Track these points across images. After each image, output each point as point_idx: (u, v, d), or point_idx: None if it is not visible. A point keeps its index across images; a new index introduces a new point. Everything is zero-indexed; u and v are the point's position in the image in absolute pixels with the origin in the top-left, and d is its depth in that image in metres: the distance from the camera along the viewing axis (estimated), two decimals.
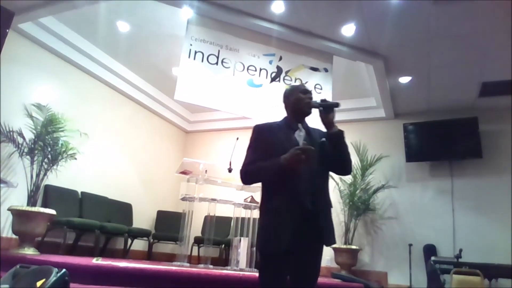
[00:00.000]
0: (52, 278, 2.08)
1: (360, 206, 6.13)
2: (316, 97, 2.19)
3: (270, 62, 5.11)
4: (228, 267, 4.85)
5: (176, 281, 3.14)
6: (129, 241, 6.07)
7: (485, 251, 5.47)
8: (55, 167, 4.80)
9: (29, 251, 4.24)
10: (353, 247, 5.98)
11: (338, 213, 6.13)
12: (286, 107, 2.20)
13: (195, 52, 4.76)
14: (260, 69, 5.05)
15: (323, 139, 2.04)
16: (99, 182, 6.24)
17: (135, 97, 7.03)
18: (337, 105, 1.99)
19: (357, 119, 6.75)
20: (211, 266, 4.70)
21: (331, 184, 3.88)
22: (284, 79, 5.13)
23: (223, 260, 6.01)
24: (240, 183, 4.98)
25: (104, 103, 6.49)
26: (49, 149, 4.74)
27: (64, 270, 2.15)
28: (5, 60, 4.69)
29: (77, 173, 5.77)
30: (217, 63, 4.86)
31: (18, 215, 4.33)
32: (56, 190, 5.33)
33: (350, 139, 2.04)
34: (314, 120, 2.14)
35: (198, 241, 6.34)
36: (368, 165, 6.30)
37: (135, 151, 7.13)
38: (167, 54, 5.96)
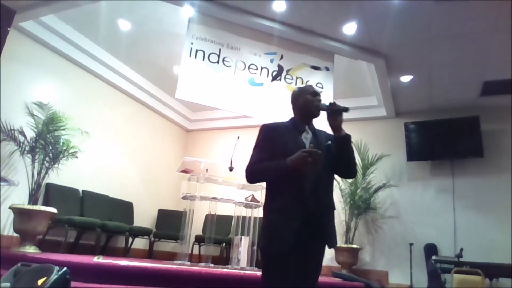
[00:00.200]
0: (53, 277, 2.08)
1: (361, 205, 6.13)
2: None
3: (271, 61, 5.11)
4: (229, 266, 4.85)
5: (177, 279, 3.14)
6: (130, 239, 6.08)
7: (486, 251, 5.47)
8: (56, 165, 4.80)
9: (30, 250, 4.24)
10: (354, 246, 5.98)
11: (339, 212, 6.12)
12: (294, 108, 2.18)
13: (196, 51, 4.76)
14: (261, 68, 5.05)
15: (329, 142, 2.04)
16: (100, 180, 6.24)
17: (136, 95, 7.04)
18: (346, 109, 1.99)
19: (358, 118, 6.74)
20: (212, 265, 4.70)
21: None
22: (285, 77, 5.12)
23: (224, 259, 6.02)
24: (241, 181, 5.03)
25: (105, 101, 6.49)
26: (50, 147, 4.75)
27: (65, 268, 2.15)
28: (6, 59, 4.69)
29: (78, 171, 5.77)
30: (218, 62, 4.85)
31: (19, 213, 4.33)
32: (57, 189, 5.33)
33: (351, 138, 2.04)
34: (320, 122, 2.14)
35: (199, 239, 6.34)
36: (369, 164, 6.30)
37: (136, 149, 7.13)
38: (168, 53, 5.95)
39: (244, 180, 4.95)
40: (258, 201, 5.03)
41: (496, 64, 5.12)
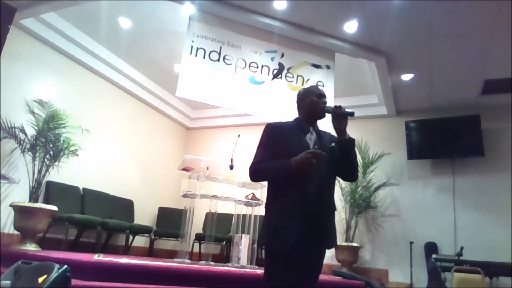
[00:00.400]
0: (54, 274, 2.08)
1: (361, 204, 6.13)
2: None
3: (272, 59, 5.10)
4: (229, 264, 4.86)
5: (177, 277, 3.14)
6: (131, 237, 6.08)
7: (486, 249, 5.47)
8: (56, 163, 4.80)
9: (31, 247, 4.24)
10: (354, 244, 5.98)
11: (339, 211, 6.11)
12: (299, 108, 2.18)
13: (197, 49, 4.75)
14: (262, 66, 5.04)
15: (333, 144, 2.05)
16: (101, 178, 6.25)
17: (137, 93, 7.03)
18: (352, 114, 1.99)
19: (359, 116, 6.59)
20: (212, 263, 4.71)
21: None
22: (286, 76, 5.11)
23: (224, 257, 6.03)
24: (241, 180, 5.03)
25: (105, 99, 6.49)
26: (51, 145, 4.74)
27: (65, 266, 2.15)
28: (7, 56, 4.68)
29: (79, 169, 5.78)
30: (218, 60, 4.84)
31: (20, 211, 4.33)
32: (57, 187, 5.34)
33: (351, 137, 2.04)
34: (323, 123, 2.15)
35: (199, 237, 6.34)
36: (370, 162, 6.30)
37: (137, 147, 7.13)
38: (169, 51, 5.95)
39: (244, 178, 5.00)
40: (259, 199, 5.03)
41: (496, 63, 5.11)
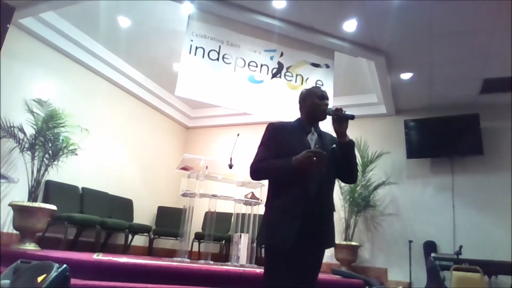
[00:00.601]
0: (53, 274, 2.08)
1: (360, 203, 6.13)
2: None
3: (271, 58, 5.10)
4: (229, 263, 4.86)
5: (177, 276, 3.14)
6: (130, 236, 6.08)
7: (485, 248, 5.47)
8: (56, 162, 4.80)
9: (30, 247, 4.24)
10: (353, 243, 5.98)
11: (338, 210, 6.12)
12: (301, 109, 2.19)
13: (196, 48, 4.75)
14: (261, 65, 5.04)
15: (334, 145, 2.06)
16: (100, 177, 6.24)
17: (136, 92, 7.03)
18: (352, 117, 1.99)
19: (358, 115, 6.57)
20: (211, 262, 4.72)
21: None
22: (285, 75, 5.11)
23: (224, 256, 6.03)
24: (240, 179, 5.03)
25: (105, 98, 6.48)
26: (50, 144, 4.74)
27: (65, 265, 2.15)
28: (6, 56, 4.67)
29: (78, 168, 5.77)
30: (218, 59, 4.84)
31: (19, 210, 4.33)
32: (57, 186, 5.33)
33: (351, 136, 2.04)
34: (324, 124, 2.16)
35: (199, 237, 6.34)
36: (369, 161, 6.30)
37: (136, 146, 7.13)
38: (168, 50, 5.94)
39: (243, 178, 5.00)
40: (258, 199, 5.04)
41: (496, 62, 5.12)
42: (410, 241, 5.87)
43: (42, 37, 5.35)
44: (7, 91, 4.85)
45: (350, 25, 4.75)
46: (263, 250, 2.08)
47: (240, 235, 4.96)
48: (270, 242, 1.95)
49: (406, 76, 5.75)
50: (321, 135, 2.11)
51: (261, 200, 5.01)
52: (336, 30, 4.90)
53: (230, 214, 6.12)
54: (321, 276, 2.14)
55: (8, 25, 4.32)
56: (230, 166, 4.96)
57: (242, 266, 4.58)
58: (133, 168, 7.06)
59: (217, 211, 5.18)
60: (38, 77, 5.36)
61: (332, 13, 4.58)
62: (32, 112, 4.92)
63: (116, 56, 6.41)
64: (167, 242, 6.99)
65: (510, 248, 5.30)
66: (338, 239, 5.85)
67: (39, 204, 4.42)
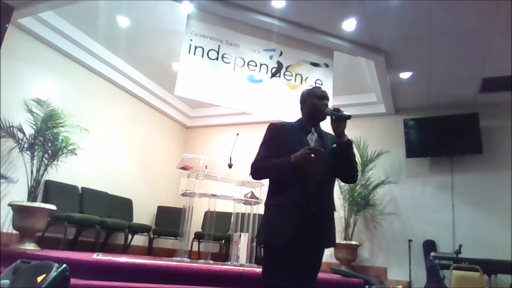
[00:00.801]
0: (53, 274, 2.08)
1: (360, 202, 6.13)
2: None
3: (271, 57, 5.09)
4: (228, 263, 4.86)
5: (177, 276, 3.14)
6: (130, 236, 6.08)
7: (484, 247, 5.48)
8: (55, 162, 4.79)
9: (30, 247, 4.24)
10: (353, 242, 5.99)
11: (338, 209, 6.10)
12: (302, 110, 2.22)
13: (195, 47, 4.74)
14: (261, 65, 5.03)
15: (334, 145, 2.07)
16: (100, 177, 6.24)
17: (135, 92, 7.02)
18: (348, 117, 2.01)
19: (357, 114, 6.69)
20: (211, 262, 4.72)
21: None
22: (284, 74, 5.11)
23: (223, 256, 6.03)
24: (240, 178, 5.03)
25: (104, 98, 6.48)
26: (50, 144, 4.74)
27: (64, 265, 2.15)
28: (5, 55, 4.67)
29: (78, 168, 5.77)
30: (217, 59, 4.84)
31: (18, 210, 4.33)
32: (56, 186, 5.33)
33: (350, 135, 2.05)
34: (325, 124, 2.17)
35: (198, 236, 6.35)
36: (368, 160, 6.30)
37: (135, 146, 7.13)
38: (167, 49, 5.94)
39: (243, 177, 5.00)
40: (258, 198, 5.04)
41: (495, 61, 5.12)
42: (410, 240, 5.88)
43: (41, 37, 5.35)
44: (6, 91, 4.84)
45: (349, 24, 4.75)
46: (263, 249, 2.08)
47: (240, 235, 4.96)
48: (268, 240, 1.97)
49: (405, 75, 5.76)
50: (322, 135, 2.13)
51: (261, 200, 5.01)
52: (335, 29, 4.89)
53: (229, 214, 6.12)
54: (320, 275, 2.14)
55: (7, 25, 4.32)
56: (230, 166, 4.96)
57: (242, 265, 4.58)
58: (132, 168, 7.06)
59: (216, 210, 5.18)
60: (37, 77, 5.35)
61: (331, 13, 4.58)
62: (31, 112, 4.91)
63: (115, 56, 6.40)
64: (167, 241, 6.99)
65: (510, 247, 5.31)
66: (338, 238, 5.85)
67: (38, 204, 4.42)
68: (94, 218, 5.26)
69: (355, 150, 2.22)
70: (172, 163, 6.38)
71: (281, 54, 5.12)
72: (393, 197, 6.47)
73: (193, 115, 8.43)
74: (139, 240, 6.53)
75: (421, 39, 4.87)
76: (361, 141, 6.36)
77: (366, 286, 4.46)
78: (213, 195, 4.95)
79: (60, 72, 5.70)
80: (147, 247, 6.55)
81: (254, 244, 5.00)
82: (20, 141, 4.67)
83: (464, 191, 6.05)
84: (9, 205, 4.38)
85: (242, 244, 4.89)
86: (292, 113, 2.23)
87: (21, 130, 4.72)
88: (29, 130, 4.78)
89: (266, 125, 2.17)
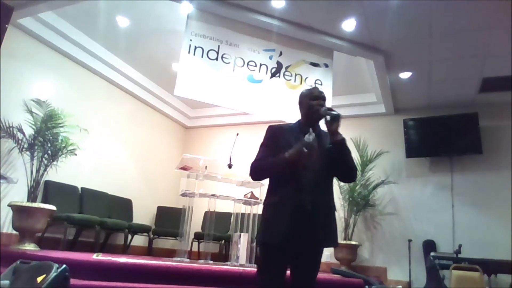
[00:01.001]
0: (53, 274, 2.08)
1: (360, 202, 6.14)
2: None
3: (270, 58, 5.09)
4: (228, 263, 4.86)
5: (176, 276, 3.14)
6: (129, 236, 6.08)
7: (484, 247, 5.48)
8: (55, 162, 4.79)
9: (30, 247, 4.24)
10: (353, 242, 5.99)
11: (338, 209, 6.09)
12: (300, 111, 2.26)
13: (195, 48, 4.74)
14: (260, 65, 5.03)
15: (330, 145, 2.09)
16: (99, 177, 6.24)
17: (135, 92, 7.02)
18: (337, 116, 2.02)
19: (357, 114, 6.73)
20: (211, 262, 4.71)
21: None
22: (284, 74, 5.11)
23: (223, 256, 6.03)
24: (240, 178, 5.03)
25: (104, 98, 6.48)
26: (49, 144, 4.73)
27: (64, 265, 2.14)
28: (5, 56, 4.67)
29: (77, 168, 5.76)
30: (217, 59, 4.84)
31: (18, 211, 4.33)
32: (56, 186, 5.32)
33: (350, 135, 2.06)
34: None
35: (198, 236, 6.34)
36: (368, 160, 6.30)
37: (135, 146, 7.13)
38: (167, 49, 5.94)
39: (243, 177, 5.00)
40: (257, 198, 5.04)
41: (495, 61, 5.12)
42: (410, 240, 5.88)
43: (40, 37, 5.34)
44: (6, 91, 4.84)
45: (349, 25, 4.75)
46: (258, 247, 2.11)
47: (240, 235, 4.95)
48: (263, 238, 2.00)
49: (405, 75, 5.76)
50: (321, 134, 2.14)
51: (261, 200, 5.01)
52: (335, 29, 4.90)
53: (229, 214, 6.12)
54: (320, 275, 2.14)
55: (6, 25, 4.32)
56: (230, 166, 4.95)
57: (241, 265, 4.58)
58: (132, 168, 7.05)
59: (216, 210, 5.17)
60: (37, 77, 5.35)
61: (331, 13, 4.58)
62: (31, 112, 4.91)
63: (115, 56, 6.40)
64: (167, 242, 6.99)
65: (510, 247, 5.31)
66: (338, 238, 5.84)
67: (38, 205, 4.42)
68: (94, 218, 5.26)
69: (354, 150, 2.23)
70: (172, 163, 6.38)
71: (280, 54, 5.12)
72: (393, 197, 6.47)
73: (193, 115, 8.43)
74: (139, 240, 6.53)
75: (421, 39, 4.87)
76: (361, 141, 6.35)
77: (366, 286, 4.46)
78: (213, 195, 4.95)
79: (60, 72, 5.69)
80: (147, 248, 6.54)
81: (254, 244, 5.00)
82: (19, 142, 4.67)
83: (464, 191, 6.06)
84: (9, 205, 4.38)
85: (242, 244, 4.89)
86: (292, 113, 2.24)
87: (20, 130, 4.71)
88: (28, 131, 4.77)
89: (266, 125, 2.21)
